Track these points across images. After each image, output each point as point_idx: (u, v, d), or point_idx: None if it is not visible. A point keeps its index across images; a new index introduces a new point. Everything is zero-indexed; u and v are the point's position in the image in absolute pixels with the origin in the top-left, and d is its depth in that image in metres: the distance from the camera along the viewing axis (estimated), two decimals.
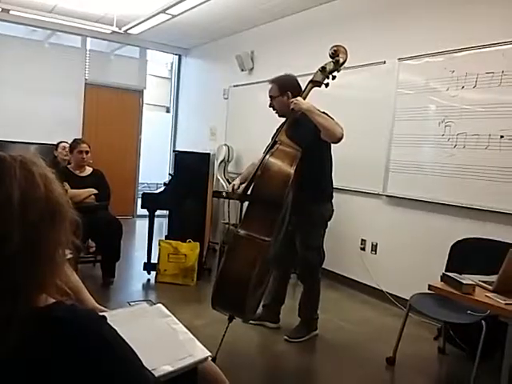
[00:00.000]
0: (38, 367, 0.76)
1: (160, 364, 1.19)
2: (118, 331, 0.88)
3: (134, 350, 0.91)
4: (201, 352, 1.28)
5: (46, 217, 0.82)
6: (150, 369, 1.08)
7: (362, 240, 4.37)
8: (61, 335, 0.78)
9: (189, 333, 1.35)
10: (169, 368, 1.19)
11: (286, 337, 3.09)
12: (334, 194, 3.11)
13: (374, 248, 4.26)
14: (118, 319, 1.15)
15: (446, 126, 3.63)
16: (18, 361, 0.75)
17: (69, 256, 1.67)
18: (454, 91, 3.57)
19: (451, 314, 2.61)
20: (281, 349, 3.02)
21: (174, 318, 1.40)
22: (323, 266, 4.11)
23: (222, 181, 5.72)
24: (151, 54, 7.77)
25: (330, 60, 2.83)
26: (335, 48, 2.83)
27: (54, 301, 0.85)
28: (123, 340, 0.89)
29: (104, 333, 0.85)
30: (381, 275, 4.11)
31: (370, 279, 4.20)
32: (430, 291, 2.53)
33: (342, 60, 2.80)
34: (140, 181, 7.79)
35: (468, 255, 2.89)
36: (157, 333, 1.34)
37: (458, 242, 3.02)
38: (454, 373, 3.01)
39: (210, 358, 1.29)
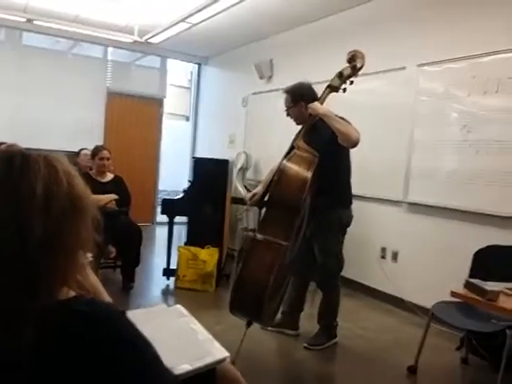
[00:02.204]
0: (56, 359, 0.77)
1: (179, 363, 1.19)
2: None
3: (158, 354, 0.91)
4: (220, 352, 1.27)
5: (68, 211, 0.84)
6: (168, 367, 1.08)
7: (383, 248, 4.32)
8: (80, 328, 0.79)
9: (207, 333, 1.35)
10: (188, 367, 1.19)
11: (305, 344, 3.06)
12: (353, 201, 3.09)
13: (395, 256, 4.21)
14: (137, 318, 1.16)
15: (467, 132, 3.58)
16: (35, 352, 0.75)
17: (90, 259, 1.70)
18: (476, 96, 3.52)
19: (474, 323, 2.55)
20: (300, 356, 2.99)
21: (193, 319, 1.40)
22: (343, 275, 4.07)
23: (240, 188, 5.72)
24: (172, 64, 7.88)
25: (348, 65, 2.83)
26: (352, 53, 2.82)
27: (74, 294, 0.86)
28: (143, 336, 0.89)
29: (123, 327, 0.85)
30: (401, 284, 4.05)
31: (391, 288, 4.13)
32: (452, 299, 2.50)
33: (359, 65, 2.79)
34: (160, 188, 7.87)
35: (491, 263, 2.82)
36: (176, 332, 1.35)
37: (481, 249, 2.96)
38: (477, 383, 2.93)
39: (228, 359, 1.29)
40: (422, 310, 3.61)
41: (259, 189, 2.94)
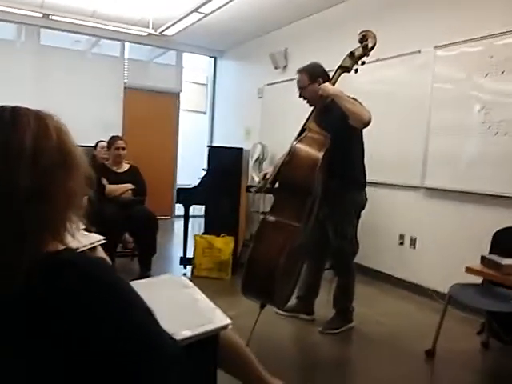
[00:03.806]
0: (42, 307, 0.77)
1: (180, 329, 1.19)
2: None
3: (151, 308, 0.91)
4: (221, 319, 1.27)
5: (57, 165, 0.84)
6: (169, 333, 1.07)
7: (401, 235, 4.25)
8: (67, 276, 0.79)
9: (210, 302, 1.35)
10: (188, 333, 1.19)
11: (320, 328, 3.03)
12: (371, 188, 3.04)
13: (413, 243, 4.14)
14: (141, 287, 1.16)
15: (485, 114, 3.49)
16: (23, 299, 0.76)
17: (102, 241, 1.69)
18: (494, 77, 3.42)
19: (493, 303, 2.49)
20: (315, 340, 2.97)
21: (197, 289, 1.40)
22: (361, 263, 4.04)
23: (256, 178, 5.71)
24: (188, 61, 7.93)
25: (359, 45, 2.78)
26: (364, 33, 2.78)
27: (64, 247, 0.86)
28: (134, 291, 0.89)
29: (111, 279, 0.85)
30: (420, 270, 3.98)
31: (409, 274, 4.07)
32: (470, 282, 2.43)
33: (370, 45, 2.74)
34: (178, 182, 7.91)
35: (511, 244, 2.74)
36: (178, 301, 1.35)
37: (501, 230, 2.88)
38: (499, 367, 2.85)
39: (230, 326, 1.28)
40: (440, 296, 3.54)
41: (270, 170, 2.91)
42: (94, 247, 1.45)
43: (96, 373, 0.80)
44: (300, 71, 3.00)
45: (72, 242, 0.89)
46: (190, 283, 1.44)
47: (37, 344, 0.78)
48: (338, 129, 2.72)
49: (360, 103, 2.75)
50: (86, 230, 1.74)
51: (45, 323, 0.77)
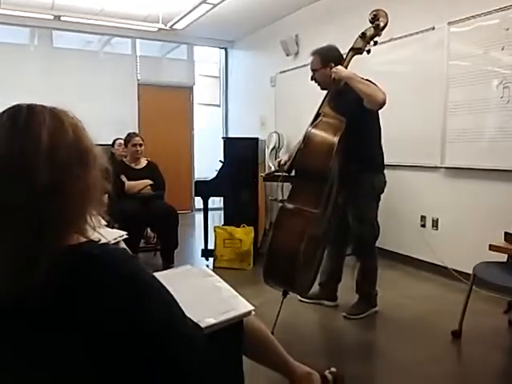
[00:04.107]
0: (66, 300, 0.79)
1: (203, 317, 1.20)
2: None
3: (174, 297, 0.92)
4: (244, 306, 1.28)
5: (74, 161, 0.85)
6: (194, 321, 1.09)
7: (422, 216, 4.20)
8: (90, 270, 0.81)
9: (233, 290, 1.36)
10: (212, 320, 1.20)
11: (344, 313, 3.03)
12: (390, 171, 3.00)
13: (435, 224, 4.09)
14: (164, 278, 1.17)
15: (504, 88, 3.41)
16: (47, 293, 0.78)
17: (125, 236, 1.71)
18: (510, 50, 3.34)
19: None
20: (339, 325, 2.97)
21: (218, 278, 1.41)
22: (382, 247, 4.01)
23: (273, 168, 5.70)
24: (200, 55, 7.93)
25: (370, 25, 2.73)
26: (375, 12, 2.72)
27: (85, 240, 0.87)
28: (158, 282, 0.90)
29: (135, 270, 0.86)
30: (443, 251, 3.93)
31: (432, 256, 4.02)
32: (494, 260, 2.39)
33: (382, 24, 2.69)
34: (196, 175, 7.95)
35: None
36: (201, 289, 1.36)
37: None
38: None
39: (253, 312, 1.29)
40: (465, 277, 3.49)
41: (285, 157, 2.91)
42: (117, 243, 1.47)
43: (126, 367, 0.81)
44: (313, 53, 2.96)
45: (94, 236, 0.90)
46: (211, 272, 1.45)
47: (66, 339, 0.79)
48: (354, 112, 2.69)
49: (375, 84, 2.71)
50: (108, 226, 1.77)
51: (72, 317, 0.79)
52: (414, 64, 4.17)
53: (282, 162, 2.84)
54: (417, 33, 4.10)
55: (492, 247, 2.09)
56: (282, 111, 6.23)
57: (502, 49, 3.39)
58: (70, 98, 6.55)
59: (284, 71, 6.07)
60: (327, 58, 2.89)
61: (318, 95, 3.00)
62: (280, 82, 6.23)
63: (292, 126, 5.84)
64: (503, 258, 2.69)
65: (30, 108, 0.87)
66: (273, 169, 5.58)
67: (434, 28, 3.96)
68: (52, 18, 5.50)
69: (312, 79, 2.96)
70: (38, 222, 0.79)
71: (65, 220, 0.82)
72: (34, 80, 6.28)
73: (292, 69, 5.85)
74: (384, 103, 2.64)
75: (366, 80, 2.71)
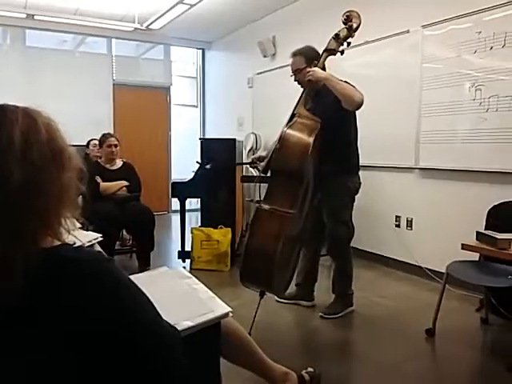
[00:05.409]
0: (42, 302, 0.77)
1: (180, 320, 1.19)
2: None
3: (151, 300, 0.91)
4: (221, 308, 1.28)
5: (47, 159, 0.84)
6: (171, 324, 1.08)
7: (397, 217, 4.27)
8: (65, 273, 0.79)
9: (210, 292, 1.35)
10: (189, 323, 1.19)
11: (321, 313, 3.05)
12: (365, 172, 3.04)
13: (410, 224, 4.16)
14: (140, 280, 1.16)
15: (476, 90, 3.49)
16: (22, 298, 0.76)
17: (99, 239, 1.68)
18: (482, 53, 3.42)
19: (491, 279, 2.50)
20: (316, 325, 2.99)
21: (195, 279, 1.41)
22: (358, 247, 4.05)
23: (251, 169, 5.71)
24: (177, 55, 7.88)
25: (343, 26, 2.76)
26: (348, 14, 2.75)
27: (60, 243, 0.86)
28: (134, 284, 0.89)
29: (110, 272, 0.85)
30: (418, 251, 4.00)
31: (407, 256, 4.09)
32: (467, 259, 2.45)
33: (355, 25, 2.72)
34: (173, 177, 7.89)
35: (505, 219, 2.76)
36: (178, 292, 1.35)
37: (495, 206, 2.90)
38: (499, 342, 2.87)
39: (230, 314, 1.29)
40: (439, 276, 3.56)
41: (263, 154, 2.93)
42: (92, 245, 1.45)
43: (106, 369, 0.81)
44: (296, 54, 2.98)
45: (68, 239, 0.89)
46: (188, 274, 1.44)
47: (47, 342, 0.78)
48: (331, 113, 2.71)
49: (352, 85, 2.74)
50: (82, 228, 1.74)
51: (48, 318, 0.77)
52: (388, 66, 4.24)
53: (257, 156, 2.86)
54: (391, 36, 4.17)
55: (464, 246, 2.13)
56: (259, 112, 6.25)
57: (475, 52, 3.47)
58: (45, 98, 6.43)
59: (261, 72, 6.09)
60: (311, 57, 2.91)
61: (295, 96, 3.01)
62: (257, 83, 6.24)
63: (269, 127, 5.84)
64: (475, 256, 2.76)
65: (3, 107, 0.85)
66: (251, 170, 5.60)
67: (408, 31, 4.03)
68: (25, 16, 5.38)
69: (295, 80, 2.96)
70: (12, 222, 0.78)
71: (39, 220, 0.81)
72: (7, 80, 6.14)
73: (269, 70, 5.87)
74: (362, 103, 2.68)
75: (344, 81, 2.74)
